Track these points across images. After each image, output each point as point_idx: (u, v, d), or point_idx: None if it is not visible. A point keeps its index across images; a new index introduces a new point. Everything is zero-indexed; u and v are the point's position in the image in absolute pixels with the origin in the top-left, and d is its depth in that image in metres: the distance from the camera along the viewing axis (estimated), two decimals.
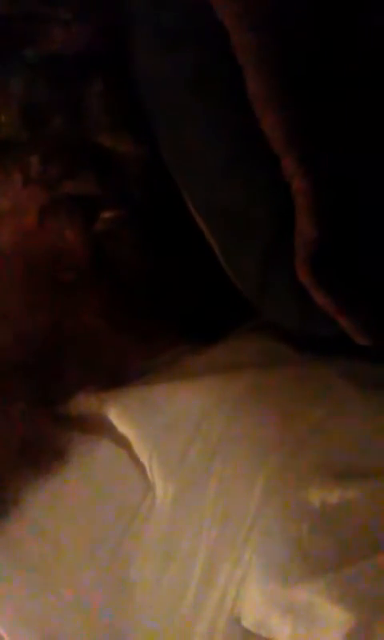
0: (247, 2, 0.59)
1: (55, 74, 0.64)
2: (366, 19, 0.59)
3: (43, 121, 0.64)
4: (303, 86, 0.58)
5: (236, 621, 0.59)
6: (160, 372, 0.67)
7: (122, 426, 0.66)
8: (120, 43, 0.64)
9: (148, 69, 0.63)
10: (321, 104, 0.58)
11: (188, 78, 0.60)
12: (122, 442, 0.65)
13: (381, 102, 0.59)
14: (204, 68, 0.60)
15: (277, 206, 0.59)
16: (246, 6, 0.58)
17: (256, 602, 0.59)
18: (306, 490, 0.59)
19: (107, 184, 0.64)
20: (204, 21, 0.59)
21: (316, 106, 0.58)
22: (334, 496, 0.58)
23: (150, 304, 0.66)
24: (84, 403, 0.68)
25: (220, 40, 0.59)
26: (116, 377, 0.67)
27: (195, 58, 0.60)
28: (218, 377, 0.65)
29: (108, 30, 0.65)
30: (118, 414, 0.66)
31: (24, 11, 0.66)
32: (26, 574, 0.67)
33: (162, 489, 0.63)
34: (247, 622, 0.59)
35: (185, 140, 0.61)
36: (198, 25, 0.60)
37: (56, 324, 0.66)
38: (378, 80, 0.59)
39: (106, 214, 0.64)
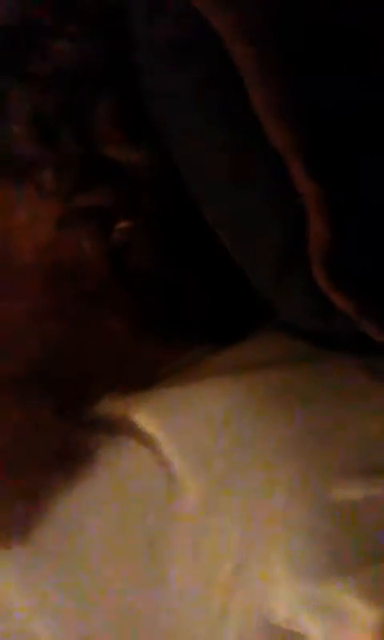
0: (243, 15, 0.59)
1: (64, 88, 0.65)
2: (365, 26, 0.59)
3: (54, 134, 0.64)
4: (305, 92, 0.59)
5: (265, 618, 0.61)
6: (183, 373, 0.68)
7: (149, 428, 0.67)
8: (127, 55, 0.64)
9: (152, 81, 0.63)
10: (325, 109, 0.59)
11: (191, 90, 0.61)
12: (149, 443, 0.66)
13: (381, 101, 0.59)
14: (206, 80, 0.60)
15: (289, 211, 0.60)
16: (241, 18, 0.59)
17: (285, 599, 0.60)
18: (330, 487, 0.60)
19: (120, 195, 0.65)
20: (203, 34, 0.60)
21: (320, 110, 0.59)
22: (358, 493, 0.59)
23: (170, 309, 0.67)
24: (110, 407, 0.69)
25: (219, 51, 0.59)
26: (140, 381, 0.68)
27: (197, 70, 0.61)
28: (241, 377, 0.66)
29: (115, 43, 0.65)
30: (145, 416, 0.67)
31: (33, 26, 0.66)
32: (61, 577, 0.68)
33: (189, 488, 0.64)
34: (277, 620, 0.60)
35: (193, 151, 0.62)
36: (197, 38, 0.60)
37: (79, 333, 0.68)
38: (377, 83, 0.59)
39: (121, 225, 0.65)
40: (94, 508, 0.68)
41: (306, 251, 0.60)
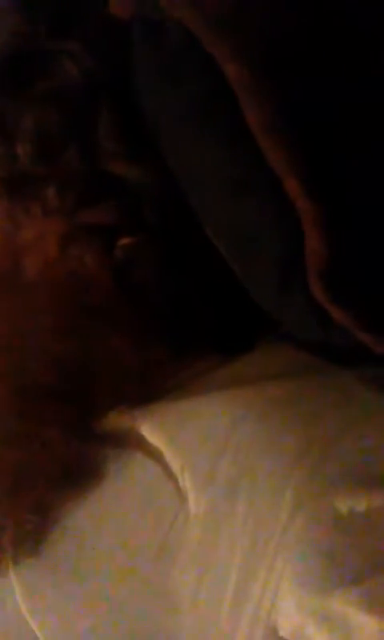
0: (234, 35, 0.59)
1: (66, 106, 0.65)
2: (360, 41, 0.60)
3: (57, 153, 0.65)
4: (300, 111, 0.59)
5: (273, 631, 0.60)
6: (188, 386, 0.69)
7: (155, 441, 0.67)
8: (128, 71, 0.65)
9: (150, 98, 0.64)
10: (319, 127, 0.59)
11: (187, 107, 0.61)
12: (155, 455, 0.67)
13: (376, 112, 0.59)
14: (202, 97, 0.61)
15: (287, 226, 0.60)
16: (233, 39, 0.59)
17: (291, 611, 0.60)
18: (333, 498, 0.60)
19: (123, 211, 0.65)
20: (196, 53, 0.60)
21: (314, 129, 0.59)
22: (361, 504, 0.59)
23: (176, 322, 0.68)
24: (117, 420, 0.70)
25: (213, 70, 0.60)
26: (146, 394, 0.69)
27: (192, 88, 0.61)
28: (244, 389, 0.66)
29: (117, 59, 0.65)
30: (150, 429, 0.68)
31: (33, 46, 0.67)
32: (69, 590, 0.69)
33: (195, 501, 0.64)
34: (284, 632, 0.60)
35: (191, 165, 0.62)
36: (191, 57, 0.61)
37: (85, 348, 0.68)
38: (372, 94, 0.59)
39: (124, 241, 0.66)
40: (102, 521, 0.69)
41: (304, 264, 0.60)
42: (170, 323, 0.67)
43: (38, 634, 0.69)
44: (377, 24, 0.61)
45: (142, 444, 0.68)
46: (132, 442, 0.68)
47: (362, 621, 0.57)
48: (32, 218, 0.67)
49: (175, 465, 0.66)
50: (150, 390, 0.69)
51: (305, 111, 0.59)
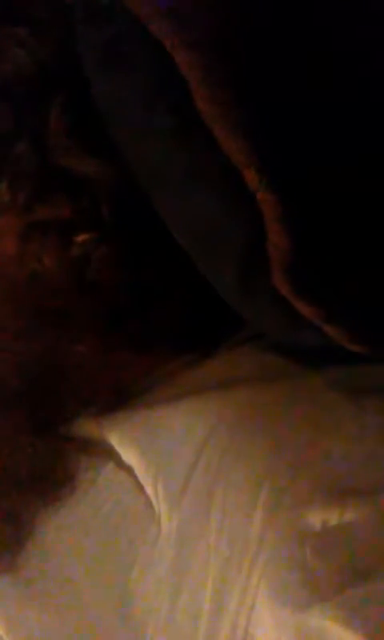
0: (184, 20, 0.55)
1: (16, 98, 0.62)
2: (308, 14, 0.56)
3: (7, 147, 0.62)
4: (255, 99, 0.55)
5: None
6: (156, 390, 0.66)
7: (125, 453, 0.65)
8: (77, 60, 0.61)
9: (98, 87, 0.60)
10: (277, 115, 0.54)
11: (135, 97, 0.57)
12: (126, 468, 0.65)
13: (335, 100, 0.55)
14: (150, 86, 0.57)
15: (246, 217, 0.56)
16: (180, 22, 0.55)
17: (268, 627, 0.57)
18: (305, 511, 0.57)
19: (79, 206, 0.61)
20: (143, 39, 0.56)
21: (270, 114, 0.55)
22: (333, 517, 0.57)
23: (140, 320, 0.64)
24: (87, 428, 0.67)
25: (163, 56, 0.56)
26: (113, 398, 0.66)
27: (140, 76, 0.57)
28: (214, 396, 0.63)
29: (65, 47, 0.61)
30: (119, 440, 0.65)
31: None
32: (40, 608, 0.66)
33: (167, 518, 0.62)
34: None
35: (144, 157, 0.58)
36: (137, 43, 0.57)
37: (48, 351, 0.65)
38: (330, 80, 0.55)
39: (80, 238, 0.62)
40: (73, 536, 0.66)
41: (266, 257, 0.56)
42: (131, 323, 0.64)
43: None
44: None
45: (113, 454, 0.65)
46: (103, 452, 0.66)
47: (340, 635, 0.54)
48: None
49: (147, 480, 0.63)
50: (116, 393, 0.66)
51: (261, 99, 0.55)
